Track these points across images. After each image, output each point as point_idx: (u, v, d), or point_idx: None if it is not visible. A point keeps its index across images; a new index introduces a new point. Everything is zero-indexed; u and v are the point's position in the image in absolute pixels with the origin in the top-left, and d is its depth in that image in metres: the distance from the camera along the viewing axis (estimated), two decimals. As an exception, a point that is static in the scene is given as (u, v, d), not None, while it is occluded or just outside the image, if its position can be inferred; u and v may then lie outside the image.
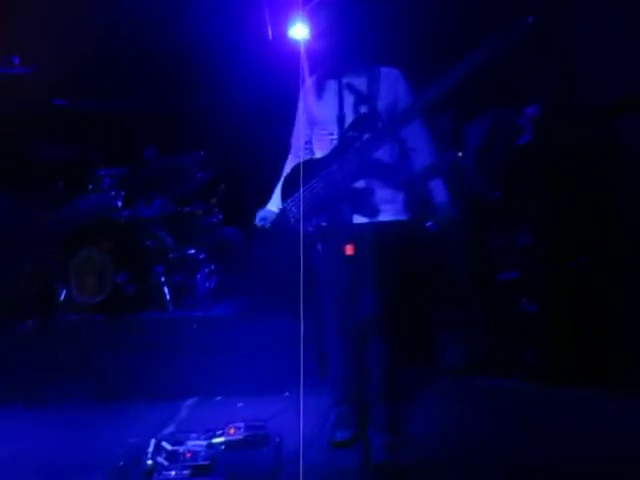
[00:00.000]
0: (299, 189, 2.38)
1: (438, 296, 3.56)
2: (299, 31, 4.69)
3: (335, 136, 2.30)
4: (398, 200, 2.46)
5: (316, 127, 2.53)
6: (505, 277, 3.44)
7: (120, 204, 4.19)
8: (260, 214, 2.63)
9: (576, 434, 2.58)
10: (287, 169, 2.65)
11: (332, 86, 2.43)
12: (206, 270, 4.26)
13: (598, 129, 3.27)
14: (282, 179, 2.58)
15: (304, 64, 3.00)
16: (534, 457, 2.37)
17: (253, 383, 3.34)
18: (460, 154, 3.99)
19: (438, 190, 2.45)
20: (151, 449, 2.32)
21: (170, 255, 4.12)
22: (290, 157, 2.73)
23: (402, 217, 2.45)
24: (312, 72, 2.62)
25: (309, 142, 2.62)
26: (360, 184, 2.24)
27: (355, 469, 2.20)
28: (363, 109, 2.34)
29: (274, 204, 2.62)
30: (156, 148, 4.42)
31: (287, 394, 3.25)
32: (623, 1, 3.13)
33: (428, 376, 3.37)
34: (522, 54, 2.01)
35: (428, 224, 3.70)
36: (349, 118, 2.28)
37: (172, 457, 2.26)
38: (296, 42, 4.81)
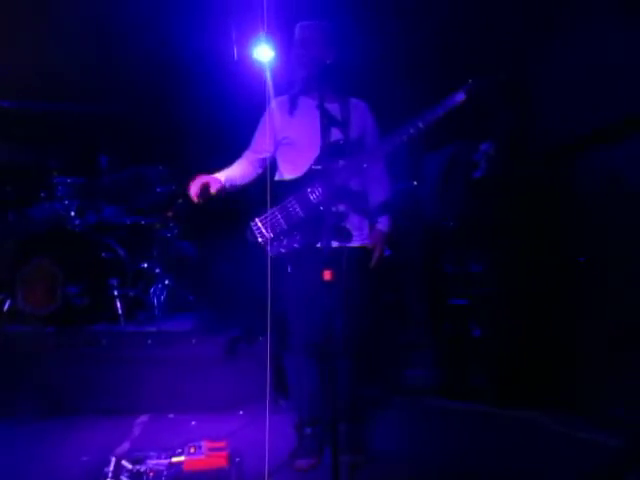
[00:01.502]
0: (268, 208, 2.41)
1: (397, 319, 3.67)
2: (264, 52, 4.78)
3: (314, 161, 2.34)
4: (364, 227, 2.55)
5: (286, 147, 2.55)
6: (457, 302, 3.60)
7: (74, 213, 4.08)
8: None
9: (519, 451, 2.74)
10: (234, 166, 2.65)
11: (305, 107, 2.49)
12: (160, 284, 4.21)
13: (548, 164, 3.53)
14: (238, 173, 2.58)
15: (269, 85, 3.05)
16: (483, 473, 2.51)
17: (206, 400, 3.31)
18: (415, 183, 4.17)
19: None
20: (112, 468, 2.26)
21: (125, 268, 4.04)
22: (244, 157, 2.70)
23: (368, 243, 2.54)
24: (282, 91, 2.67)
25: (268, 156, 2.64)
26: (337, 209, 2.29)
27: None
28: (336, 134, 2.38)
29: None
30: (113, 158, 4.36)
31: (241, 412, 3.24)
32: (579, 44, 3.37)
33: (388, 397, 3.46)
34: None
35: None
36: (322, 140, 2.24)
37: (135, 477, 2.21)
38: (260, 63, 4.90)
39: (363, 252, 2.48)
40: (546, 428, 3.00)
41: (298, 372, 2.35)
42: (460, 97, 2.08)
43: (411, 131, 2.18)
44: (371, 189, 2.58)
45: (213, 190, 2.45)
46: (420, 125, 2.15)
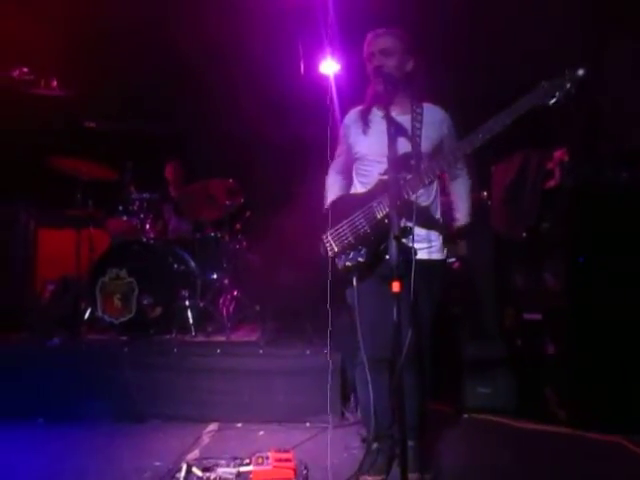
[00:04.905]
0: (339, 222, 2.42)
1: (467, 334, 3.56)
2: (329, 66, 4.83)
3: (383, 173, 2.31)
4: (433, 239, 2.49)
5: (358, 162, 2.55)
6: (530, 316, 3.46)
7: (148, 227, 4.27)
8: None
9: (600, 477, 2.57)
10: (329, 179, 2.69)
11: (378, 121, 2.45)
12: (229, 295, 4.31)
13: (625, 172, 3.33)
14: (329, 205, 2.59)
15: (334, 98, 3.06)
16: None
17: (274, 411, 3.34)
18: (485, 194, 4.06)
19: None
20: (183, 474, 2.32)
21: (195, 279, 4.17)
22: (331, 172, 2.73)
23: (436, 256, 2.48)
24: (349, 105, 2.68)
25: (345, 172, 2.67)
26: (403, 223, 2.26)
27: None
28: (406, 146, 2.34)
29: None
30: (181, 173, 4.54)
31: (308, 424, 3.24)
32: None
33: (457, 414, 3.38)
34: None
35: (451, 260, 3.74)
36: (392, 155, 2.20)
37: (204, 483, 2.27)
38: (326, 76, 4.95)
39: (431, 266, 2.42)
40: (631, 453, 2.81)
41: (366, 387, 2.31)
42: (533, 101, 2.00)
43: (480, 137, 2.11)
44: (453, 205, 2.58)
45: None
46: (488, 133, 2.08)
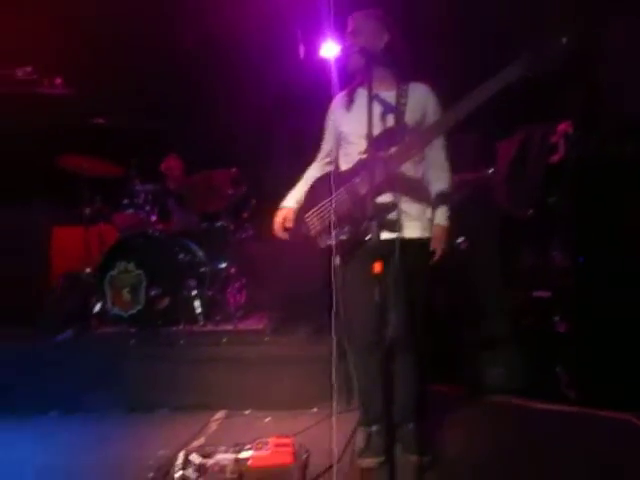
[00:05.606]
0: (321, 201, 2.39)
1: (470, 314, 3.50)
2: (330, 49, 4.76)
3: (363, 151, 2.26)
4: (424, 217, 2.45)
5: (343, 141, 2.52)
6: (539, 294, 3.38)
7: (154, 218, 4.30)
8: None
9: (610, 455, 2.50)
10: (307, 175, 2.68)
11: (361, 99, 2.43)
12: (236, 284, 4.32)
13: (630, 141, 3.21)
14: (307, 188, 2.59)
15: (335, 81, 3.02)
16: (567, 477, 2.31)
17: (281, 398, 3.34)
18: (491, 171, 3.96)
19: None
20: (180, 462, 2.35)
21: (202, 269, 4.19)
22: (313, 165, 2.74)
23: (428, 234, 2.43)
24: (342, 87, 2.65)
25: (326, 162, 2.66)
26: (385, 198, 2.22)
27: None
28: (390, 121, 2.32)
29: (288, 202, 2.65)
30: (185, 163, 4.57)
31: (315, 410, 3.24)
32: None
33: (465, 396, 3.32)
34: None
35: (459, 241, 3.68)
36: (376, 131, 2.20)
37: (200, 470, 2.28)
38: (327, 60, 4.88)
39: (420, 244, 2.38)
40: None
41: (359, 370, 2.30)
42: (516, 73, 1.93)
43: (463, 108, 2.04)
44: (431, 178, 2.48)
45: (289, 224, 2.59)
46: (471, 104, 2.01)
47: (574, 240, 3.31)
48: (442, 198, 2.43)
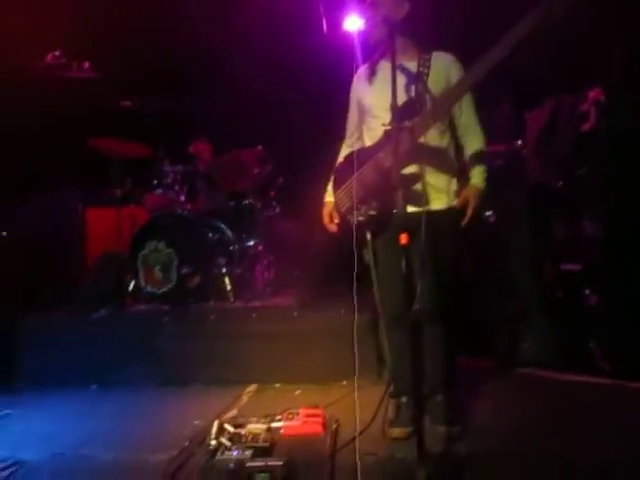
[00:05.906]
0: (349, 178, 2.39)
1: (500, 287, 3.47)
2: (353, 22, 4.70)
3: (387, 123, 2.23)
4: (450, 188, 2.43)
5: (366, 115, 2.51)
6: (569, 267, 3.33)
7: (183, 198, 4.37)
8: None
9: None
10: (340, 158, 2.68)
11: (384, 71, 2.41)
12: (265, 261, 4.38)
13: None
14: (333, 169, 2.60)
15: (358, 55, 2.99)
16: (599, 456, 2.26)
17: (311, 371, 3.40)
18: (520, 142, 3.89)
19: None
20: (214, 430, 2.42)
21: (231, 247, 4.25)
22: (343, 146, 2.75)
23: (454, 204, 2.41)
24: (365, 61, 2.63)
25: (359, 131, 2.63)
26: (410, 170, 2.20)
27: (410, 459, 2.19)
28: (414, 91, 2.30)
29: (330, 195, 2.66)
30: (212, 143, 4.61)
31: (345, 383, 3.29)
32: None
33: (496, 369, 3.33)
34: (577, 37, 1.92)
35: (488, 213, 3.64)
36: (400, 101, 2.15)
37: (234, 439, 2.35)
38: (351, 34, 4.82)
39: (447, 214, 2.37)
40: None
41: (389, 341, 2.32)
42: (532, 21, 1.84)
43: (483, 66, 2.00)
44: (465, 143, 2.45)
45: (336, 219, 2.60)
46: (498, 55, 1.93)
47: (605, 212, 3.24)
48: (479, 158, 2.40)
